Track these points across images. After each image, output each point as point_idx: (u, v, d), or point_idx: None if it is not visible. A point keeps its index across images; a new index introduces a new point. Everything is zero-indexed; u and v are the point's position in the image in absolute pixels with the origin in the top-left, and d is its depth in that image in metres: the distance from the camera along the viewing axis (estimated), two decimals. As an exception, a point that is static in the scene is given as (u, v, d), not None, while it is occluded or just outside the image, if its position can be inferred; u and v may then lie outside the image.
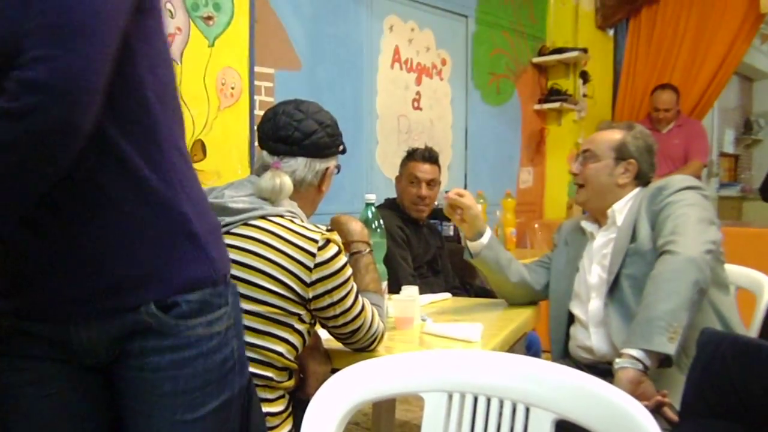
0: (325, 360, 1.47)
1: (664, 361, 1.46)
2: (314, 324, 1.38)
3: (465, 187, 4.15)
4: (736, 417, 1.10)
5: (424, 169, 2.55)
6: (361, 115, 3.54)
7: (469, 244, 1.94)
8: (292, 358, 1.32)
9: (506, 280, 1.96)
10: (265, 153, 1.43)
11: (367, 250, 1.56)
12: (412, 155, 2.61)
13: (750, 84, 7.57)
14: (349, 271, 1.35)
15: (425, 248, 2.58)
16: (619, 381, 1.41)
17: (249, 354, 1.24)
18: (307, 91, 3.18)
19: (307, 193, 1.46)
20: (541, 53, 4.71)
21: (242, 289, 1.25)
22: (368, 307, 1.41)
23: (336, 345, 1.46)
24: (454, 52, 4.13)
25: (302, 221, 1.37)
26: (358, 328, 1.38)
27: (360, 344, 1.42)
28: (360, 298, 1.39)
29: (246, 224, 1.31)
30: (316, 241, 1.30)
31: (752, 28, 4.20)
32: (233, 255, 1.27)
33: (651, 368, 1.45)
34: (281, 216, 1.34)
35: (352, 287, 1.36)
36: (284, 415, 1.33)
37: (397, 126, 3.77)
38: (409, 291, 1.78)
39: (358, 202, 3.37)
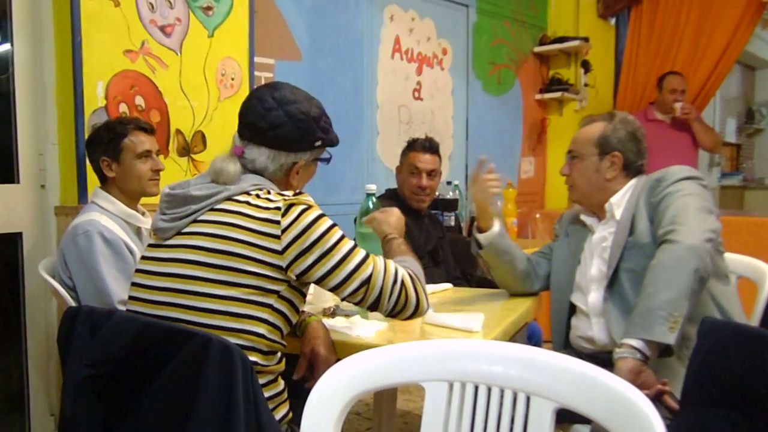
0: (333, 351, 1.45)
1: (664, 351, 1.46)
2: (302, 300, 1.35)
3: (466, 178, 4.15)
4: (737, 406, 1.10)
5: (425, 160, 2.54)
6: (361, 105, 3.53)
7: (479, 235, 1.93)
8: (276, 339, 1.30)
9: (513, 270, 1.96)
10: (236, 134, 1.41)
11: (400, 239, 1.54)
12: (412, 145, 2.60)
13: (752, 73, 7.53)
14: (324, 224, 1.29)
15: (426, 238, 2.58)
16: (619, 371, 1.41)
17: (232, 340, 1.24)
18: (308, 82, 3.17)
19: (275, 180, 1.41)
20: (542, 42, 4.69)
21: (215, 275, 1.25)
22: (377, 258, 1.35)
23: (341, 336, 1.46)
24: (455, 42, 4.11)
25: (268, 192, 1.33)
26: (369, 277, 1.30)
27: (388, 301, 1.33)
28: (362, 251, 1.33)
29: (212, 209, 1.30)
30: (279, 209, 1.28)
31: (754, 16, 4.17)
32: (202, 242, 1.27)
33: (651, 358, 1.45)
34: (246, 193, 1.32)
35: (341, 238, 1.30)
36: (277, 399, 1.33)
37: (397, 116, 3.76)
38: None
39: (359, 193, 3.37)
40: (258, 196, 1.31)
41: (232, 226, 1.27)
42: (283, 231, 1.26)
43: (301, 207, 1.29)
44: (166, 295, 1.30)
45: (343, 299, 1.35)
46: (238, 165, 1.36)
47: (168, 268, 1.30)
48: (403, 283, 1.34)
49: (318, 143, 1.43)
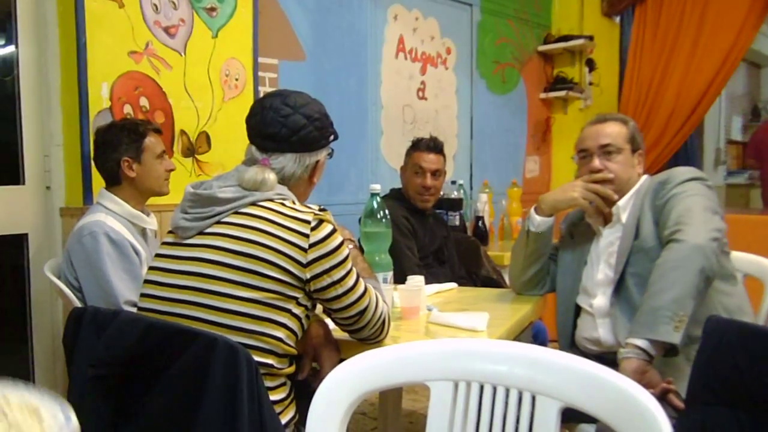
0: (337, 349, 1.47)
1: (669, 350, 1.46)
2: (313, 308, 1.37)
3: (470, 177, 4.15)
4: (743, 405, 1.09)
5: (429, 159, 2.54)
6: (365, 105, 3.53)
7: (540, 217, 1.90)
8: (291, 344, 1.32)
9: (537, 261, 1.96)
10: (253, 148, 1.42)
11: (350, 246, 1.55)
12: (416, 145, 2.60)
13: (757, 70, 7.50)
14: (346, 250, 1.34)
15: (431, 238, 2.58)
16: (623, 371, 1.40)
17: (250, 342, 1.25)
18: (312, 82, 3.18)
19: (298, 185, 1.45)
20: (546, 41, 4.68)
21: (239, 276, 1.26)
22: (371, 289, 1.40)
23: (343, 335, 1.47)
24: (459, 41, 4.11)
25: (293, 203, 1.37)
26: (365, 309, 1.37)
27: (369, 330, 1.40)
28: (362, 280, 1.38)
29: (236, 212, 1.32)
30: (308, 222, 1.30)
31: (760, 14, 4.15)
32: (226, 244, 1.28)
33: (656, 357, 1.44)
34: (271, 200, 1.34)
35: (351, 268, 1.35)
36: (286, 402, 1.34)
37: (401, 116, 3.76)
38: (415, 281, 1.78)
39: (363, 193, 3.37)
40: (284, 205, 1.34)
41: (257, 230, 1.28)
42: (311, 246, 1.28)
43: (330, 227, 1.32)
44: (185, 293, 1.30)
45: (334, 321, 1.41)
46: (274, 173, 1.38)
47: (188, 266, 1.31)
48: (383, 321, 1.42)
49: (332, 138, 1.48)
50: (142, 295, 1.39)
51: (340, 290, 1.32)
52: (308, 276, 1.29)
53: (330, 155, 1.52)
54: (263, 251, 1.27)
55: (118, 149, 1.97)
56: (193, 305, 1.29)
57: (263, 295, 1.26)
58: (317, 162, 1.46)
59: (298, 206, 1.35)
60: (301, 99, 1.43)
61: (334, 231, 1.33)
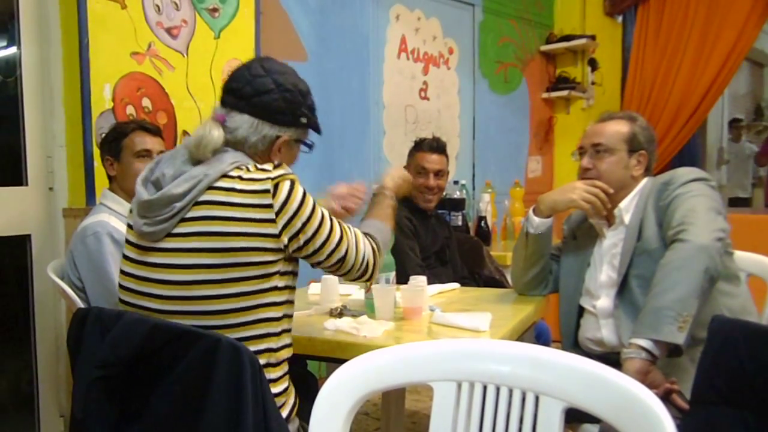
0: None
1: (673, 351, 1.45)
2: (295, 271, 1.35)
3: (473, 177, 4.15)
4: (748, 405, 1.09)
5: (432, 160, 2.54)
6: (367, 105, 3.53)
7: (538, 219, 1.91)
8: (286, 313, 1.31)
9: (538, 262, 1.95)
10: (217, 104, 1.38)
11: (390, 195, 1.65)
12: (419, 145, 2.60)
13: (761, 70, 7.49)
14: (310, 202, 1.30)
15: (433, 238, 2.58)
16: (626, 371, 1.40)
17: (245, 334, 1.25)
18: (314, 82, 3.11)
19: (256, 154, 1.36)
20: (548, 41, 4.67)
21: (220, 275, 1.24)
22: (348, 233, 1.38)
23: (345, 337, 1.47)
24: (461, 41, 4.10)
25: (248, 170, 1.28)
26: (344, 256, 1.36)
27: (355, 273, 1.40)
28: (336, 224, 1.35)
29: (197, 203, 1.26)
30: (267, 191, 1.25)
31: (763, 12, 4.14)
32: (199, 243, 1.24)
33: (659, 357, 1.44)
34: (227, 176, 1.27)
35: (322, 217, 1.32)
36: (287, 392, 1.34)
37: (404, 116, 3.76)
38: (418, 281, 1.78)
39: (365, 193, 3.36)
40: (241, 177, 1.26)
41: (223, 219, 1.24)
42: (277, 213, 1.25)
43: (287, 183, 1.27)
44: (172, 303, 1.27)
45: (317, 266, 1.39)
46: (222, 131, 1.31)
47: (168, 275, 1.27)
48: (367, 263, 1.41)
49: (303, 120, 1.39)
50: (128, 305, 1.34)
51: (318, 243, 1.31)
52: (285, 241, 1.26)
53: (308, 146, 1.44)
54: (236, 240, 1.23)
55: (103, 148, 2.02)
56: (184, 315, 1.26)
57: (248, 284, 1.25)
58: (278, 138, 1.36)
59: (254, 173, 1.27)
60: (281, 68, 1.37)
61: (293, 185, 1.27)
